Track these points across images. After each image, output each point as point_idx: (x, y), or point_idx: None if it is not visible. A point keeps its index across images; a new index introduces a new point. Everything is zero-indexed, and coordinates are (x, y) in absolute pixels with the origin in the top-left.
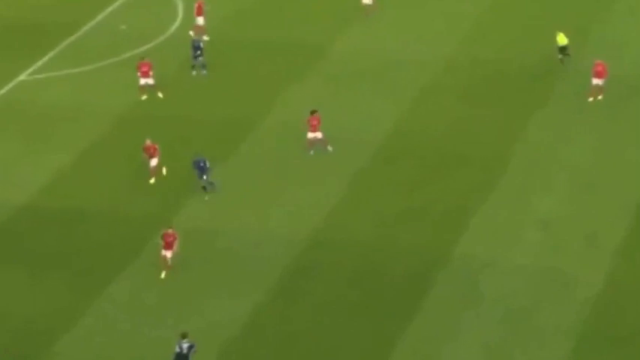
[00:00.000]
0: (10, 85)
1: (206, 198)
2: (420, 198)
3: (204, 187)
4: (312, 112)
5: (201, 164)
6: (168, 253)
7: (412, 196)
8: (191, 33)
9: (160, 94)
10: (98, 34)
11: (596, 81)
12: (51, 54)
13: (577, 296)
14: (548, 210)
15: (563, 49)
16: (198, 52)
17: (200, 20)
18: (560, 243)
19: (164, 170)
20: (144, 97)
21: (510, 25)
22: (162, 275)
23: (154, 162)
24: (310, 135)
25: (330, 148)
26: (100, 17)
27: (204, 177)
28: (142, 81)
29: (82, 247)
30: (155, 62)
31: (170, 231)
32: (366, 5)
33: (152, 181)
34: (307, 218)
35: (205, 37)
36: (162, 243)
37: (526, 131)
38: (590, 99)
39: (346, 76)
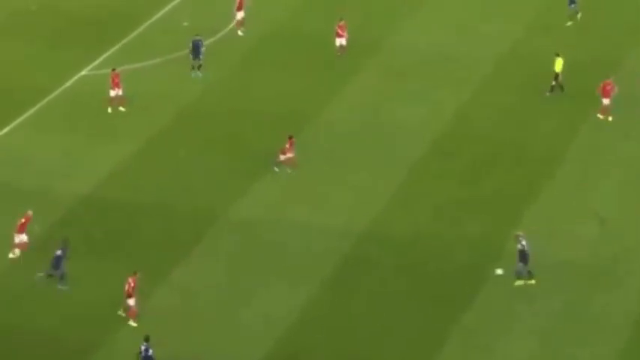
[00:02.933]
0: (74, 78)
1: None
2: (477, 190)
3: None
4: (290, 137)
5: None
6: (131, 301)
7: (469, 188)
8: (235, 27)
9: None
10: (160, 29)
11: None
12: (113, 49)
13: (631, 288)
14: (604, 203)
15: (556, 77)
16: (198, 52)
17: (239, 15)
18: (615, 236)
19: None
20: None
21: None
22: (133, 324)
23: None
24: (282, 157)
25: (289, 171)
26: (161, 12)
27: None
28: (112, 92)
29: (143, 237)
30: (214, 57)
31: (131, 279)
32: None
33: None
34: (365, 209)
35: (240, 32)
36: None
37: (584, 125)
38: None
39: (404, 68)
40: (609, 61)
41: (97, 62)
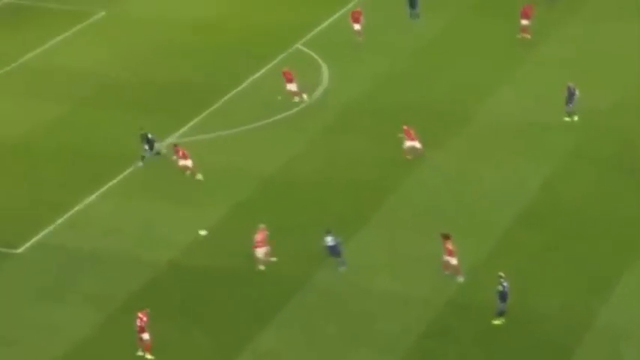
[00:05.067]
0: (163, 143)
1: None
2: (562, 262)
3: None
4: (260, 227)
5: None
6: (145, 336)
7: (553, 259)
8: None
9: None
10: (247, 96)
11: None
12: (200, 116)
13: None
14: None
15: None
16: (152, 146)
17: (357, 26)
18: None
19: None
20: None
21: None
22: (150, 356)
23: None
24: (258, 252)
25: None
26: (249, 80)
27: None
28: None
29: (226, 304)
30: (298, 127)
31: (141, 315)
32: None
33: None
34: (446, 281)
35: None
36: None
37: None
38: None
39: (492, 137)
40: None
41: (183, 129)
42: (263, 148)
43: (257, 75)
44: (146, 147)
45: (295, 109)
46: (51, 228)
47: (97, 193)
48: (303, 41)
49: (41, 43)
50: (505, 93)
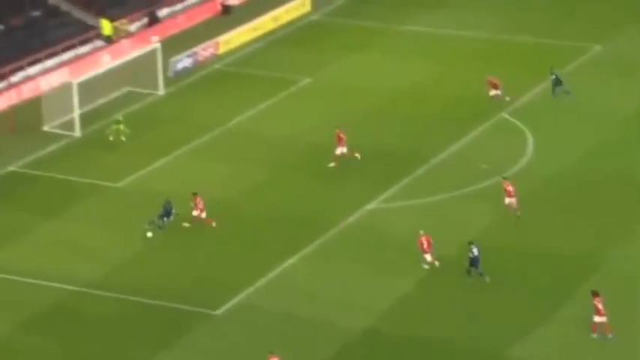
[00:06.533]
0: (360, 212)
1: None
2: None
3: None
4: None
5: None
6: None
7: None
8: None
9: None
10: (450, 165)
11: None
12: (401, 183)
13: None
14: None
15: None
16: (168, 214)
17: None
18: None
19: None
20: None
21: None
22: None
23: None
24: None
25: None
26: (452, 148)
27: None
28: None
29: None
30: (498, 197)
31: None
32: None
33: None
34: None
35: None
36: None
37: None
38: None
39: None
40: None
41: (384, 196)
42: (460, 217)
43: (460, 143)
44: (165, 218)
45: (493, 179)
46: (250, 290)
47: (296, 257)
48: (508, 110)
49: (247, 108)
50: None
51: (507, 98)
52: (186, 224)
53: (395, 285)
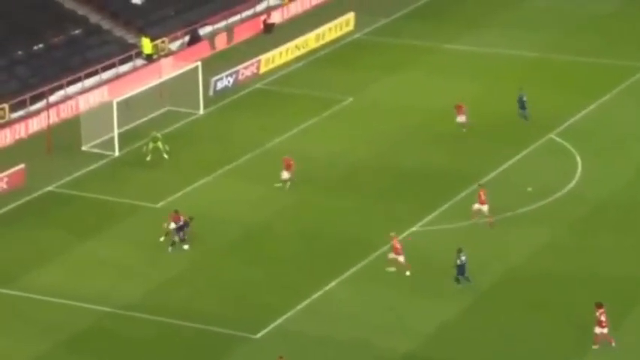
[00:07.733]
0: (403, 234)
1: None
2: None
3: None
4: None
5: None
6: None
7: None
8: None
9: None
10: (496, 186)
11: None
12: (446, 205)
13: None
14: None
15: None
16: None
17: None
18: None
19: None
20: None
21: None
22: None
23: None
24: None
25: None
26: (499, 170)
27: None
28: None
29: None
30: (546, 221)
31: None
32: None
33: None
34: None
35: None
36: None
37: None
38: None
39: None
40: None
41: (427, 219)
42: (506, 241)
43: (507, 164)
44: (180, 234)
45: (546, 201)
46: (290, 314)
47: (338, 279)
48: (556, 131)
49: (288, 128)
50: None
51: (464, 130)
52: (186, 246)
53: (437, 309)
